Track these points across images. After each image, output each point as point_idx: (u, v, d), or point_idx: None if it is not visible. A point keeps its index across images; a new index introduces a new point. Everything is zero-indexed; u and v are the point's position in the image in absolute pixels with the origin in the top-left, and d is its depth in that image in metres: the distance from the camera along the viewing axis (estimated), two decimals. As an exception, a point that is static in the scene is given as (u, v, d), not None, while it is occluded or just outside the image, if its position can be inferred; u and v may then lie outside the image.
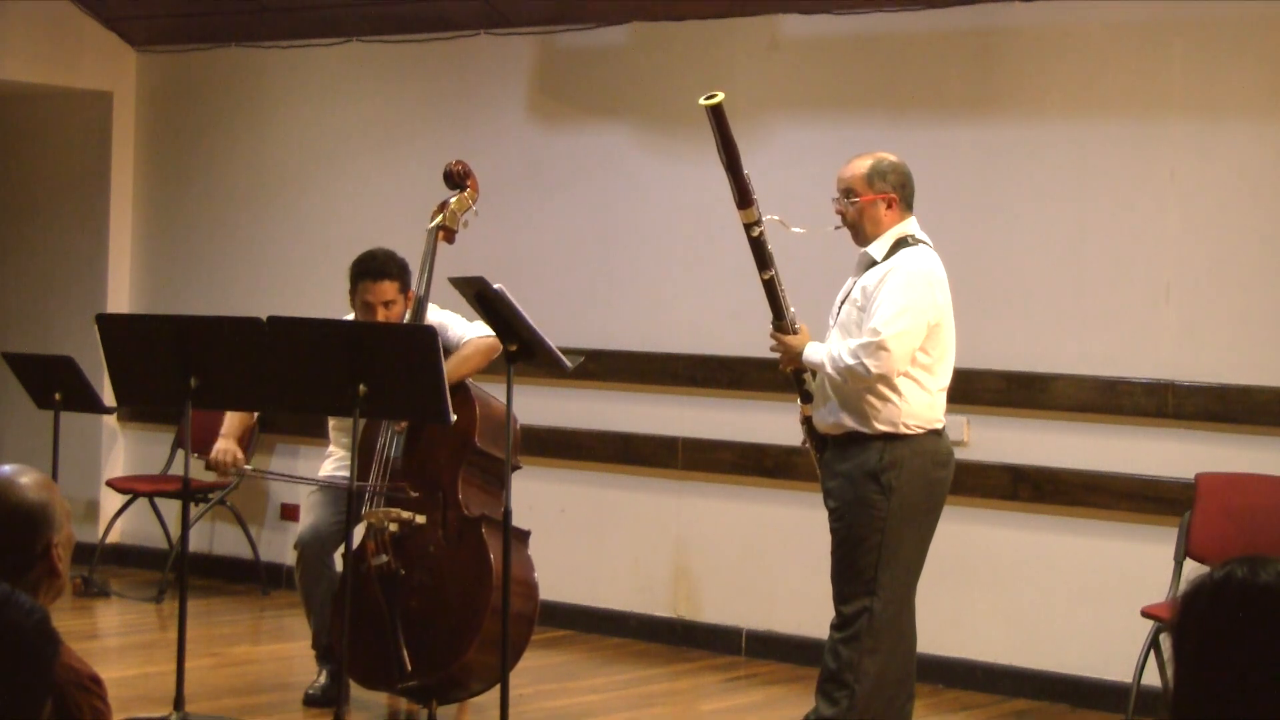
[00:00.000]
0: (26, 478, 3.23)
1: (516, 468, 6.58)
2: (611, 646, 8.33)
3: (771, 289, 5.97)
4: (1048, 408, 7.46)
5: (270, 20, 9.51)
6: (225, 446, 6.96)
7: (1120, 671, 6.94)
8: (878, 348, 5.65)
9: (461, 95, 9.02)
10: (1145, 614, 6.55)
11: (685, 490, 8.34)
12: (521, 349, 6.09)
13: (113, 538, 9.84)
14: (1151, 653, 6.59)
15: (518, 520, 6.24)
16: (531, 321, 6.04)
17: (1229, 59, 7.14)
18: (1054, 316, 7.46)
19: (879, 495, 5.79)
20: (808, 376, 5.99)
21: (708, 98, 5.90)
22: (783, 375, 6.16)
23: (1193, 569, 6.63)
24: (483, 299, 6.05)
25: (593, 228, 8.64)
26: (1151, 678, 6.55)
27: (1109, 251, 7.34)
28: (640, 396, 8.45)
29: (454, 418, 6.16)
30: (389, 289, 6.80)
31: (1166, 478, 7.16)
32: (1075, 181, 7.42)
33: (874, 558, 5.81)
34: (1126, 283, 7.31)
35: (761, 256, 5.95)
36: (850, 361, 5.69)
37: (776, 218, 6.01)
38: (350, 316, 7.01)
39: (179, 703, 6.38)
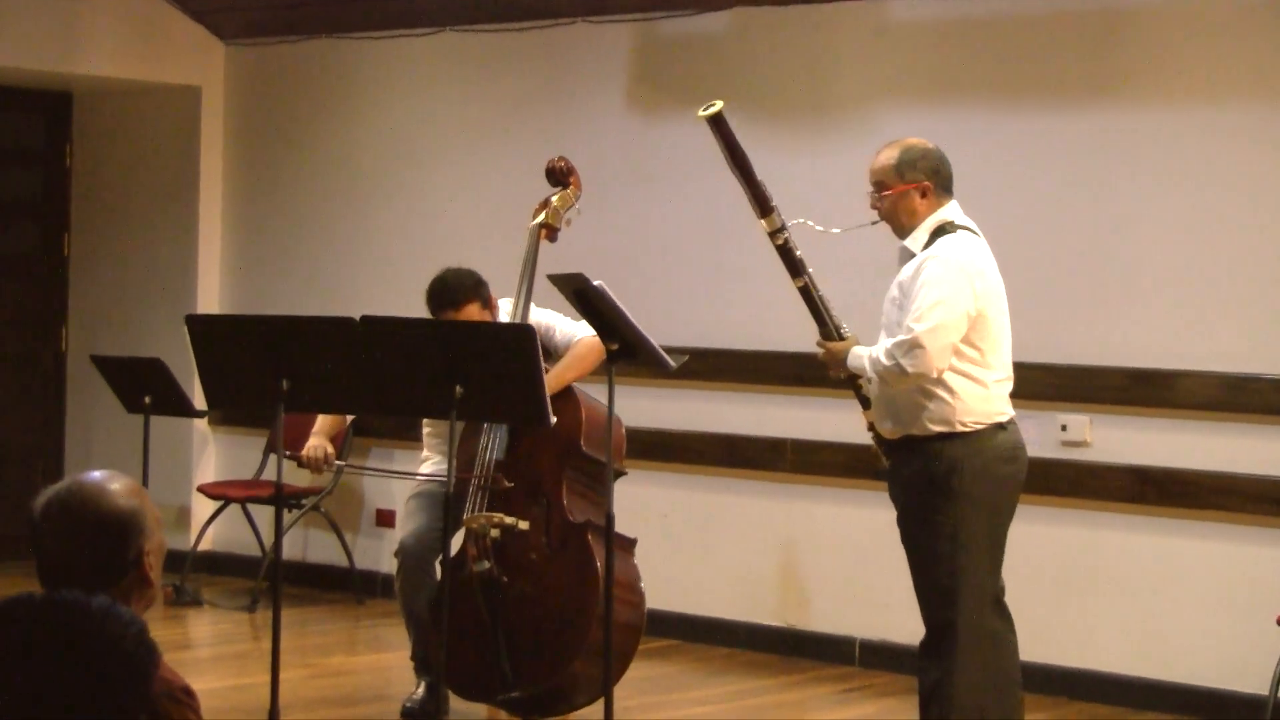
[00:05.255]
0: (117, 484, 3.20)
1: (621, 473, 6.46)
2: (719, 657, 8.20)
3: (807, 296, 5.82)
4: (1173, 406, 7.26)
5: (361, 10, 9.49)
6: (316, 443, 7.02)
7: (1255, 683, 6.76)
8: (912, 346, 5.45)
9: (559, 85, 8.94)
10: (1283, 623, 6.40)
11: (794, 494, 8.18)
12: (623, 348, 5.94)
13: (204, 545, 9.80)
14: (1291, 664, 6.41)
15: (620, 527, 6.07)
16: (633, 319, 5.88)
17: (1368, 37, 6.95)
18: (1179, 310, 7.26)
19: (943, 501, 5.56)
20: (863, 382, 5.80)
21: (705, 109, 5.81)
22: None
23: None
24: (582, 296, 5.91)
25: (695, 222, 8.50)
26: (1291, 690, 6.38)
27: (1236, 242, 7.15)
28: (746, 396, 8.29)
29: (554, 420, 6.05)
30: (473, 311, 6.74)
31: (1301, 480, 6.96)
32: (1200, 169, 7.23)
33: (948, 568, 5.58)
34: (1255, 275, 7.11)
35: (791, 264, 5.81)
36: (887, 363, 5.51)
37: (805, 221, 5.85)
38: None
39: (274, 715, 6.26)
